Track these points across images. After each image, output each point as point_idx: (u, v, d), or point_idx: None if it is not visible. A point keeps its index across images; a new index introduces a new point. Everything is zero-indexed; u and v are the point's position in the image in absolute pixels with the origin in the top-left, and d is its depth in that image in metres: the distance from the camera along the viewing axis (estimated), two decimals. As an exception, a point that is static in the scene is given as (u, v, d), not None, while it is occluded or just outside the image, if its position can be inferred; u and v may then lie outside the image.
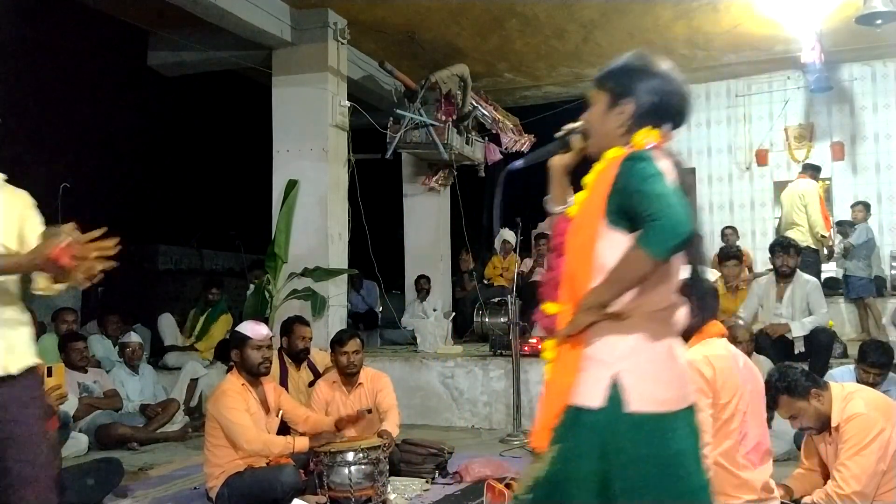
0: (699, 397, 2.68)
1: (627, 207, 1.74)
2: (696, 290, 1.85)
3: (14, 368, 2.39)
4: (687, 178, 1.86)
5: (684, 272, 1.85)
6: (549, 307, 1.89)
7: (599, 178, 1.86)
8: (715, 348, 2.81)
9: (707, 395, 2.72)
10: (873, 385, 4.08)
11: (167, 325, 7.66)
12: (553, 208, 2.07)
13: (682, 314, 1.85)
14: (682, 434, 1.79)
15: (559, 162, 2.06)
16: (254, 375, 3.95)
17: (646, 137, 1.84)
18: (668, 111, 1.90)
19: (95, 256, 2.28)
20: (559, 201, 2.06)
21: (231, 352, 3.97)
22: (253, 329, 3.99)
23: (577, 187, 2.00)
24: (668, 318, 1.82)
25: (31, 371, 2.45)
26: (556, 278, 1.92)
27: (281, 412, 4.12)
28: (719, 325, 2.92)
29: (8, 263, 2.33)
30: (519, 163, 2.18)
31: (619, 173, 1.77)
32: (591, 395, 1.76)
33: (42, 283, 2.47)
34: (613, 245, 1.76)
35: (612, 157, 1.84)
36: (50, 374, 3.59)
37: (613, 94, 1.91)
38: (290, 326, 5.09)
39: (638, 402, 1.73)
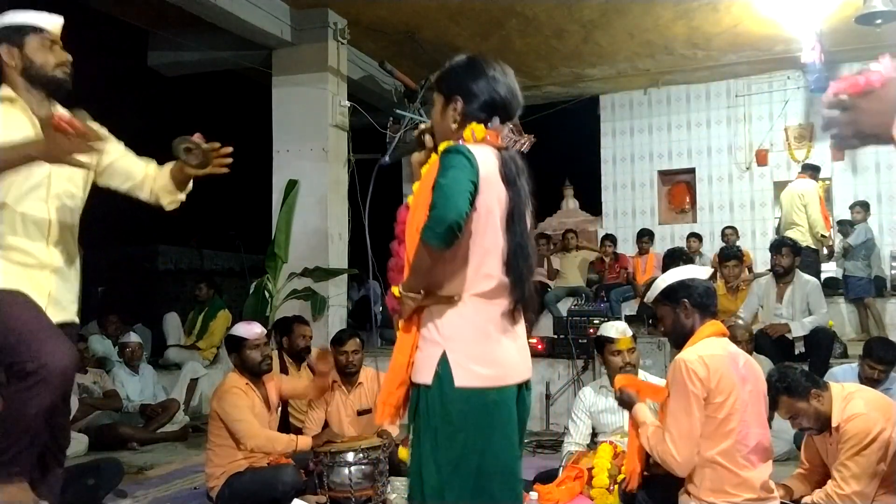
0: (692, 397, 2.71)
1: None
2: (514, 270, 1.95)
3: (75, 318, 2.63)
4: (515, 168, 2.01)
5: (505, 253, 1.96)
6: (395, 290, 2.03)
7: (430, 169, 2.00)
8: (711, 348, 2.81)
9: (700, 395, 2.72)
10: (877, 382, 4.08)
11: (171, 324, 7.67)
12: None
13: (507, 292, 1.96)
14: (504, 409, 1.94)
15: (416, 158, 2.23)
16: (256, 375, 3.95)
17: (473, 132, 2.00)
18: (495, 107, 2.04)
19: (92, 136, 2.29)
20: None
21: (230, 356, 3.98)
22: (246, 329, 3.98)
23: None
24: (492, 298, 1.95)
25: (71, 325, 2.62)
26: (399, 264, 2.09)
27: (280, 409, 4.13)
28: (718, 324, 2.92)
29: (17, 154, 2.31)
30: (385, 159, 2.43)
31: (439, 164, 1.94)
32: (425, 373, 1.92)
33: (167, 198, 2.76)
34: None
35: (441, 150, 2.00)
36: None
37: (445, 93, 2.08)
38: (289, 326, 5.09)
39: (463, 378, 1.88)
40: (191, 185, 2.84)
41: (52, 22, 2.61)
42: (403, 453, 2.09)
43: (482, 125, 2.01)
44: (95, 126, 2.39)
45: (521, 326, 2.04)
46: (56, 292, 2.52)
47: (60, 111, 2.37)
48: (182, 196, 2.80)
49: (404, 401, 2.01)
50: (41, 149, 2.28)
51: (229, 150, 2.59)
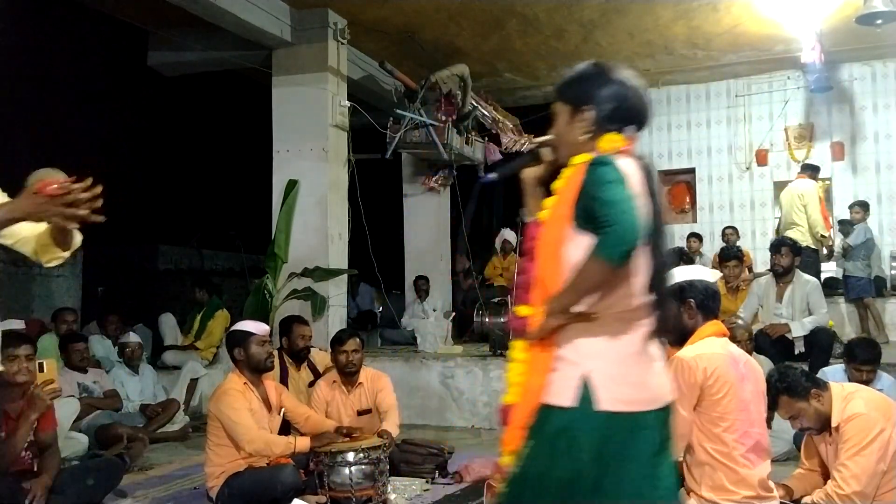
0: (685, 396, 2.71)
1: (589, 212, 1.79)
2: (658, 290, 1.89)
3: None
4: (653, 180, 1.90)
5: (649, 272, 1.88)
6: (520, 310, 1.95)
7: (567, 183, 1.91)
8: (710, 347, 2.81)
9: (693, 392, 2.73)
10: (866, 382, 4.09)
11: (168, 324, 7.67)
12: (528, 219, 2.12)
13: (650, 314, 1.88)
14: (650, 434, 1.84)
15: (531, 174, 2.14)
16: (259, 371, 3.95)
17: (611, 142, 1.89)
18: (630, 114, 1.95)
19: (83, 199, 2.18)
20: (534, 212, 2.10)
21: (233, 350, 3.96)
22: (255, 325, 4.03)
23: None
24: (635, 319, 1.86)
25: None
26: (527, 281, 1.98)
27: (283, 410, 4.13)
28: (719, 324, 2.93)
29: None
30: (492, 175, 2.27)
31: (584, 179, 1.83)
32: (562, 395, 1.82)
33: (47, 255, 2.45)
34: (580, 248, 1.80)
35: (579, 162, 1.90)
36: (42, 369, 3.58)
37: (573, 103, 1.97)
38: (289, 326, 5.09)
39: (607, 401, 1.79)
40: (78, 240, 2.47)
41: None
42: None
43: (619, 135, 1.91)
44: (67, 183, 2.18)
45: (657, 347, 1.94)
46: None
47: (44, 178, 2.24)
48: (65, 254, 2.47)
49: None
50: (23, 210, 2.20)
51: (98, 190, 2.21)
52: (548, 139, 2.09)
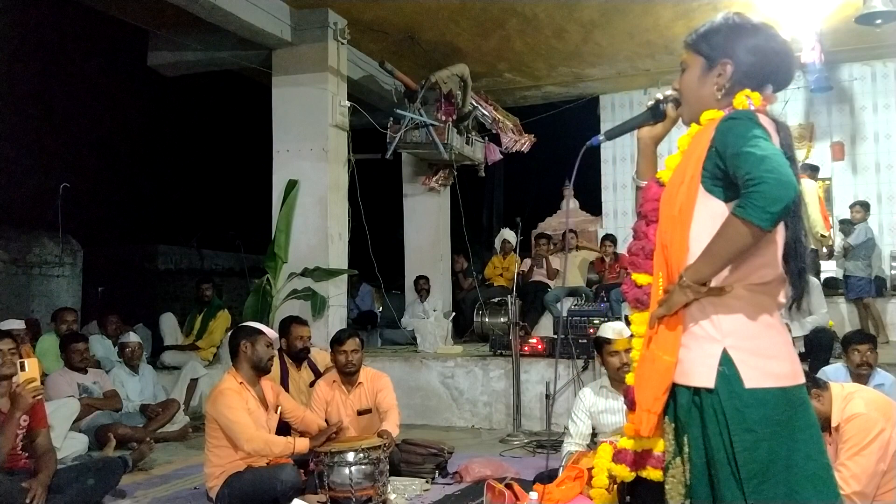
0: None
1: (726, 171, 1.64)
2: (795, 263, 1.74)
3: None
4: (791, 145, 1.76)
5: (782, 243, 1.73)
6: (639, 278, 1.81)
7: (695, 140, 1.77)
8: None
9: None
10: (866, 367, 4.08)
11: (168, 324, 7.67)
12: (640, 183, 2.00)
13: (782, 289, 1.75)
14: (806, 409, 1.70)
15: (649, 133, 2.00)
16: (259, 370, 3.96)
17: (749, 99, 1.75)
18: (770, 72, 1.79)
19: None
20: (647, 175, 1.98)
21: (241, 342, 3.96)
22: (266, 328, 4.11)
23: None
24: (772, 292, 1.73)
25: None
26: (646, 247, 1.83)
27: (280, 409, 4.13)
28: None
29: None
30: (601, 137, 2.05)
31: (716, 135, 1.68)
32: (704, 376, 1.68)
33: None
34: (710, 213, 1.68)
35: (709, 118, 1.76)
36: (23, 368, 3.58)
37: (709, 56, 1.82)
38: (287, 327, 5.09)
39: (755, 378, 1.65)
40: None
41: None
42: (621, 471, 1.91)
43: (757, 93, 1.75)
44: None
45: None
46: None
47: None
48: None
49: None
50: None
51: None
52: (673, 94, 1.93)
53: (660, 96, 1.96)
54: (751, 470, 1.62)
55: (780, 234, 1.71)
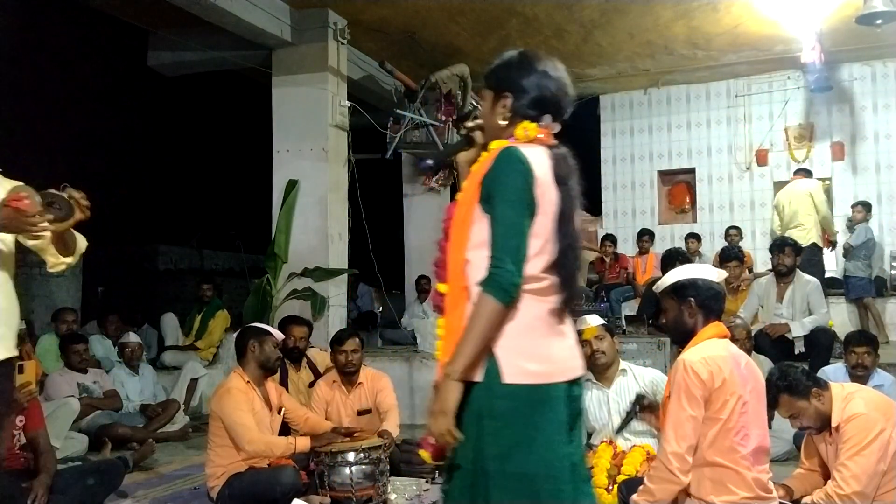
0: (693, 397, 2.70)
1: (489, 202, 1.89)
2: (563, 269, 1.95)
3: None
4: (566, 167, 1.98)
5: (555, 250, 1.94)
6: (440, 287, 2.02)
7: (481, 167, 1.98)
8: (713, 349, 2.79)
9: (700, 396, 2.71)
10: (865, 369, 4.08)
11: (169, 324, 7.67)
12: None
13: (558, 292, 1.94)
14: (554, 406, 1.90)
15: (464, 157, 2.20)
16: (266, 370, 3.97)
17: (525, 130, 1.96)
18: (548, 104, 2.00)
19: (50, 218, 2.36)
20: None
21: (248, 342, 3.96)
22: (274, 331, 4.13)
23: None
24: (539, 295, 1.92)
25: (6, 363, 2.56)
26: (443, 259, 2.04)
27: (283, 411, 4.13)
28: (721, 326, 2.91)
29: None
30: (429, 161, 2.35)
31: (489, 167, 1.92)
32: (474, 371, 1.88)
33: (52, 259, 2.59)
34: (484, 228, 1.89)
35: (493, 148, 1.98)
36: (21, 370, 3.58)
37: (495, 88, 2.04)
38: (283, 327, 5.08)
39: (511, 374, 1.86)
40: (83, 245, 2.68)
41: None
42: (425, 455, 2.06)
43: (534, 123, 1.98)
44: (38, 199, 2.36)
45: (570, 325, 2.02)
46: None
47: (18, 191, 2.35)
48: (69, 259, 2.64)
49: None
50: None
51: (87, 203, 2.47)
52: (478, 123, 2.16)
53: (470, 125, 2.19)
54: (492, 452, 1.85)
55: (548, 245, 1.93)
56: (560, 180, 1.95)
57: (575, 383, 1.98)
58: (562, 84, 2.04)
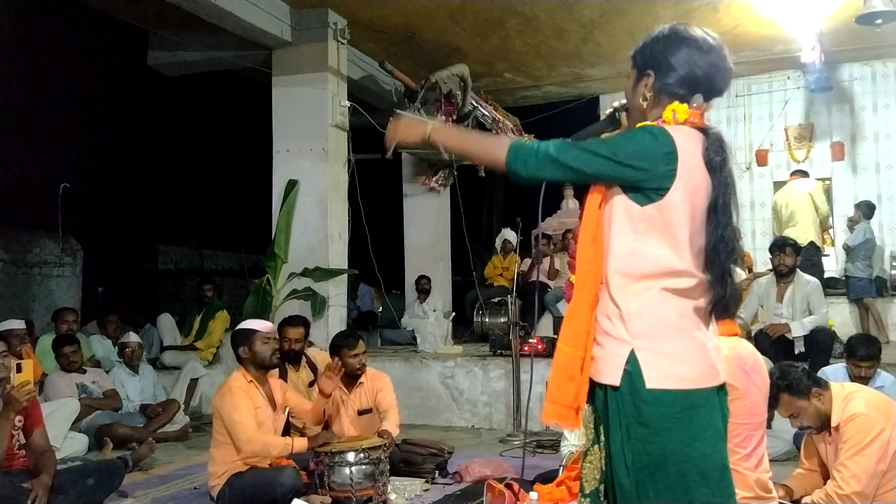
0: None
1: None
2: (713, 266, 1.79)
3: None
4: (718, 152, 1.80)
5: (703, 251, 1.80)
6: (571, 277, 1.97)
7: None
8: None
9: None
10: (866, 378, 4.09)
11: (166, 325, 7.66)
12: None
13: (703, 293, 1.80)
14: (709, 411, 1.75)
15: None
16: (265, 368, 3.95)
17: (674, 112, 1.80)
18: (697, 82, 1.83)
19: None
20: None
21: (239, 349, 3.96)
22: (259, 323, 4.06)
23: None
24: (685, 295, 1.77)
25: None
26: (575, 249, 1.94)
27: (287, 409, 4.13)
28: (730, 325, 2.90)
29: None
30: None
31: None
32: (612, 374, 1.74)
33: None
34: (627, 213, 1.77)
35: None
36: (19, 370, 3.58)
37: (639, 66, 1.90)
38: (279, 330, 5.06)
39: (656, 379, 1.71)
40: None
41: None
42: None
43: (684, 105, 1.81)
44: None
45: (714, 327, 1.85)
46: None
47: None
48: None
49: (579, 399, 1.81)
50: None
51: None
52: (623, 104, 2.01)
53: (616, 105, 2.04)
54: (642, 461, 1.71)
55: (698, 238, 1.78)
56: (712, 166, 1.77)
57: (722, 389, 1.82)
58: (715, 60, 1.85)
